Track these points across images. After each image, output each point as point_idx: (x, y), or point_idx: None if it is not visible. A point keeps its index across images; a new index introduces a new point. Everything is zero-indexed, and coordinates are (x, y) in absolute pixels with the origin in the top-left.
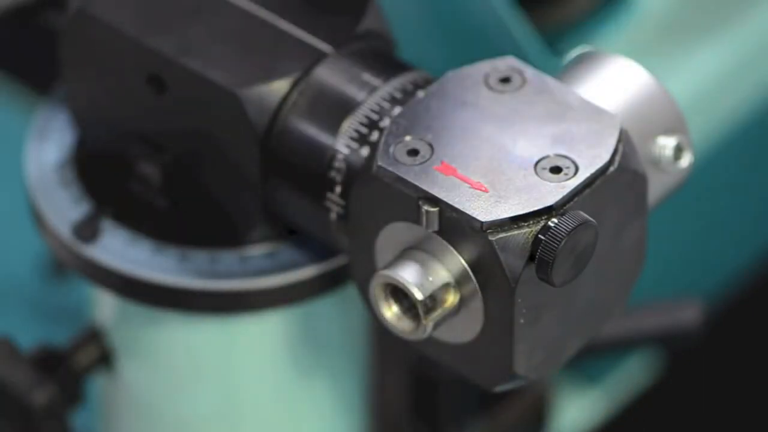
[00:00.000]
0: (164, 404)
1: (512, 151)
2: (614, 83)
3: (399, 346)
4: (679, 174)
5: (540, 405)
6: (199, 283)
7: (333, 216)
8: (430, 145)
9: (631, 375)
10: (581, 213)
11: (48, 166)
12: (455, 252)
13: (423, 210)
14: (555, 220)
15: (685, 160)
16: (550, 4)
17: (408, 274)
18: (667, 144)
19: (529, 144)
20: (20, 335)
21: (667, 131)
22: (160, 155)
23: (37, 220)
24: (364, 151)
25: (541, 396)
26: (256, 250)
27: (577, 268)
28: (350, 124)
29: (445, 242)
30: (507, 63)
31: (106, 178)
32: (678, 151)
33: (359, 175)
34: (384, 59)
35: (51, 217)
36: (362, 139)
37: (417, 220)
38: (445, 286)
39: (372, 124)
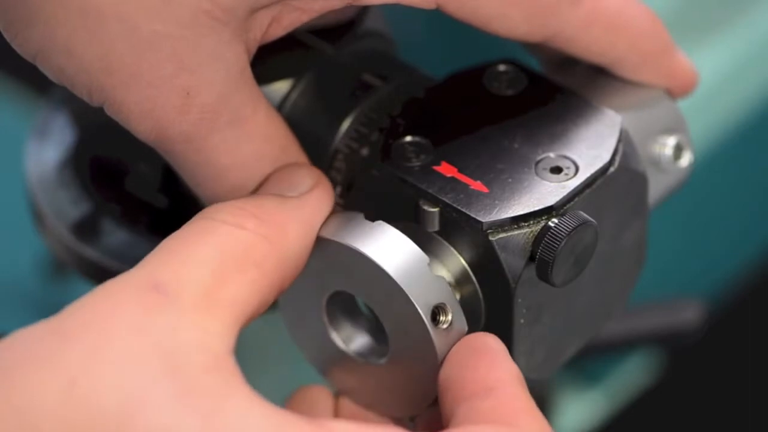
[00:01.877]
0: None
1: (512, 151)
2: (614, 83)
3: None
4: (679, 173)
5: (540, 405)
6: None
7: None
8: (431, 145)
9: (631, 375)
10: (581, 213)
11: (48, 166)
12: (455, 252)
13: (423, 210)
14: (555, 220)
15: (685, 160)
16: None
17: None
18: (667, 144)
19: (530, 144)
20: None
21: (667, 131)
22: (160, 155)
23: (37, 220)
24: (364, 151)
25: (541, 396)
26: None
27: (578, 268)
28: (350, 124)
29: (445, 242)
30: (507, 63)
31: (106, 178)
32: (678, 150)
33: (359, 175)
34: (384, 59)
35: (51, 216)
36: (362, 139)
37: (417, 220)
38: None
39: (372, 124)
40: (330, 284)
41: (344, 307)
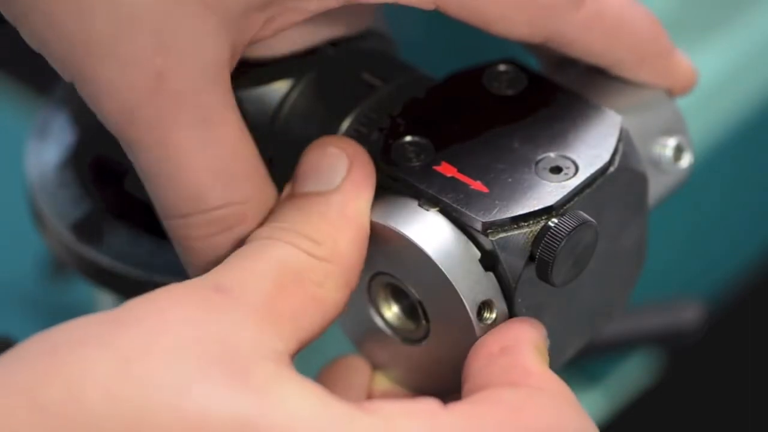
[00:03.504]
0: None
1: (512, 151)
2: (614, 84)
3: None
4: (679, 175)
5: None
6: None
7: None
8: (431, 145)
9: (631, 375)
10: (581, 213)
11: (48, 166)
12: None
13: (423, 210)
14: (555, 220)
15: (685, 161)
16: None
17: None
18: (667, 144)
19: (530, 144)
20: (20, 335)
21: (668, 132)
22: None
23: (38, 220)
24: None
25: None
26: None
27: (578, 268)
28: (350, 124)
29: None
30: (507, 63)
31: (106, 178)
32: (678, 151)
33: None
34: (384, 59)
35: (51, 217)
36: (362, 139)
37: None
38: None
39: (372, 124)
40: (375, 264)
41: (386, 287)
